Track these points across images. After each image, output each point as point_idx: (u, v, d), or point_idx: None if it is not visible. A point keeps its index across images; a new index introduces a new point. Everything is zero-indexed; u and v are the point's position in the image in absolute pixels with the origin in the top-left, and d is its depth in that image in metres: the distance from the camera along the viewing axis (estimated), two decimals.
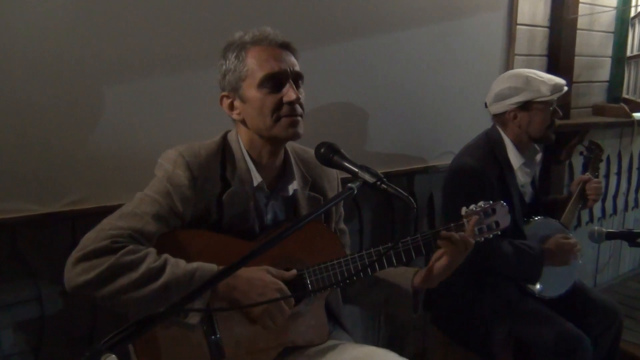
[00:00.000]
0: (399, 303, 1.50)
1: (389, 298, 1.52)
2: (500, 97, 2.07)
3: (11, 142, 1.52)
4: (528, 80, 2.02)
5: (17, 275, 1.60)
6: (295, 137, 1.36)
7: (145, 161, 1.62)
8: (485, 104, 2.16)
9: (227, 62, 1.37)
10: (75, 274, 1.17)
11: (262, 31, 1.36)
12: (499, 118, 2.11)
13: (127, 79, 1.67)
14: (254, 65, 1.32)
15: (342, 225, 1.66)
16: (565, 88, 2.05)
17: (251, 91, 1.33)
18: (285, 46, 1.37)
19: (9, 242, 1.57)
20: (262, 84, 1.32)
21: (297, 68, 1.37)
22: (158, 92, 1.73)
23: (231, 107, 1.39)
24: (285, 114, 1.33)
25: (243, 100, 1.35)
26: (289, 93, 1.32)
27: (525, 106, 2.03)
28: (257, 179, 1.40)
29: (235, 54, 1.35)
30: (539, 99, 2.01)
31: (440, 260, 1.41)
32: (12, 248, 1.58)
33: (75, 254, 1.19)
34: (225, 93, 1.39)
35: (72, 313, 1.68)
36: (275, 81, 1.32)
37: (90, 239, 1.20)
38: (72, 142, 1.61)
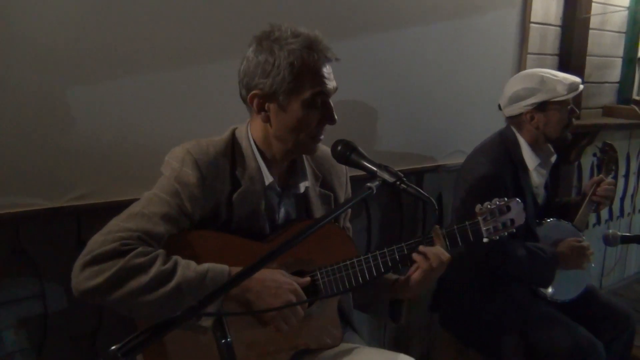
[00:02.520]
0: (378, 310, 1.48)
1: (370, 303, 1.50)
2: (515, 98, 2.02)
3: (16, 136, 1.48)
4: (543, 80, 1.98)
5: (20, 272, 1.57)
6: (312, 153, 1.40)
7: (152, 156, 1.59)
8: (499, 106, 2.12)
9: (276, 63, 1.25)
10: (83, 279, 1.12)
11: (317, 40, 1.28)
12: (514, 120, 2.06)
13: (133, 72, 1.63)
14: (306, 80, 1.26)
15: (348, 224, 1.63)
16: (581, 87, 2.00)
17: (296, 104, 1.27)
18: (333, 61, 1.32)
19: (12, 237, 1.53)
20: (310, 102, 1.27)
21: (336, 84, 1.33)
22: (165, 87, 1.69)
23: (260, 106, 1.31)
24: (318, 134, 1.33)
25: (282, 109, 1.28)
26: (332, 115, 1.30)
27: (541, 107, 1.98)
28: (268, 178, 1.35)
29: (288, 60, 1.24)
30: (555, 99, 1.96)
31: (415, 273, 1.34)
32: (15, 243, 1.54)
33: (83, 258, 1.14)
34: (258, 92, 1.28)
35: (77, 310, 1.65)
36: (320, 100, 1.29)
37: (98, 242, 1.15)
38: (77, 136, 1.57)
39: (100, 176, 1.61)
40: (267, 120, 1.31)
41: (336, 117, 1.31)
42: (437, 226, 1.36)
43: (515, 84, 2.05)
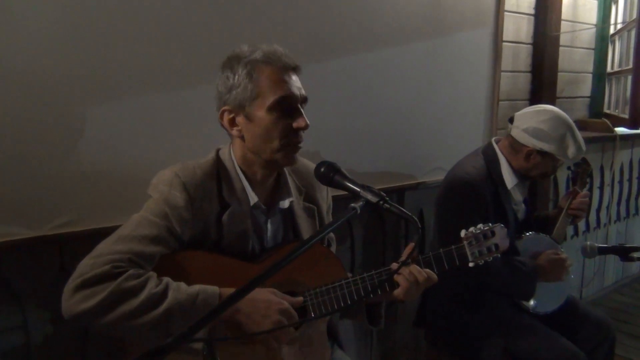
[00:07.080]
0: (355, 312, 1.49)
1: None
2: (533, 133, 2.00)
3: None
4: (564, 137, 1.99)
5: (1, 302, 1.54)
6: (292, 164, 1.36)
7: (135, 184, 1.59)
8: (512, 119, 2.11)
9: (236, 76, 1.30)
10: (74, 302, 1.12)
11: (274, 51, 1.32)
12: (514, 141, 2.06)
13: (117, 96, 1.63)
14: (267, 87, 1.28)
15: (331, 233, 1.63)
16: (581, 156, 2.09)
17: (261, 112, 1.29)
18: (297, 69, 1.34)
19: None
20: (273, 107, 1.28)
21: (304, 92, 1.35)
22: (149, 111, 1.69)
23: (232, 122, 1.34)
24: (293, 141, 1.31)
25: (249, 119, 1.31)
26: (300, 120, 1.30)
27: (545, 153, 2.01)
28: (253, 198, 1.37)
29: (246, 70, 1.29)
30: (558, 157, 2.02)
31: (397, 291, 1.36)
32: None
33: (73, 281, 1.14)
34: (227, 107, 1.33)
35: (60, 341, 1.62)
36: (286, 105, 1.29)
37: (88, 265, 1.15)
38: (60, 162, 1.56)
39: (83, 204, 1.60)
40: (240, 136, 1.34)
41: (307, 121, 1.31)
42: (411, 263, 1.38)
43: (544, 121, 2.01)
